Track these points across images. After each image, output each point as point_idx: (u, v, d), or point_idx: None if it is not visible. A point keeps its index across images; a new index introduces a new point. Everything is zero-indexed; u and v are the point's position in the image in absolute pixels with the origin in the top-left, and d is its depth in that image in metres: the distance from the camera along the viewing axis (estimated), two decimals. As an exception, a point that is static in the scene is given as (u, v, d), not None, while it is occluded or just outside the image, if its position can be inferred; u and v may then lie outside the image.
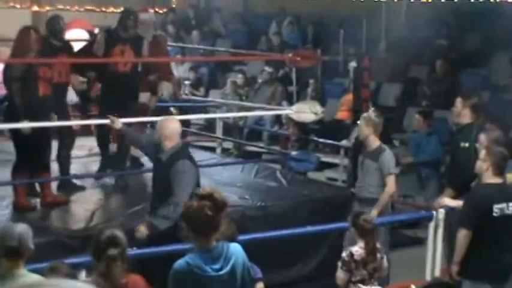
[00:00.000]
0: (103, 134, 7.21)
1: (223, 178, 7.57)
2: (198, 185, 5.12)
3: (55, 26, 6.90)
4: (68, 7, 15.32)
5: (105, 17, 13.77)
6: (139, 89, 7.31)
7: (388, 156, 6.15)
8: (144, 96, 7.49)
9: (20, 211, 6.20)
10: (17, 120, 6.10)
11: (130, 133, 5.95)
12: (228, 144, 10.62)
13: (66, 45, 7.11)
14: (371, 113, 6.29)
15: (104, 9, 14.50)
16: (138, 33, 7.18)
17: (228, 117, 10.50)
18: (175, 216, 4.82)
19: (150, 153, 5.56)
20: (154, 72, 7.63)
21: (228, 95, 11.33)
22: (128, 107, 6.84)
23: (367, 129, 6.14)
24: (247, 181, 7.66)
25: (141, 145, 5.77)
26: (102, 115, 6.65)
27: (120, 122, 5.84)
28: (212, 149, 9.81)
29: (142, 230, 4.97)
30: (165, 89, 7.78)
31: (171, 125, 5.26)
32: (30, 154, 6.24)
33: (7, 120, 6.45)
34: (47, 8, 15.20)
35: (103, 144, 7.28)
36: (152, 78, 7.60)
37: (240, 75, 11.93)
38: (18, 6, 14.66)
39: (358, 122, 6.34)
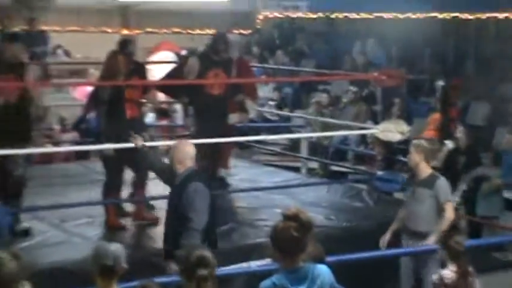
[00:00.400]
0: None
1: (309, 198, 7.56)
2: (212, 210, 4.96)
3: (127, 49, 6.97)
4: (156, 30, 15.75)
5: (192, 39, 14.04)
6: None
7: (443, 182, 5.88)
8: (233, 117, 7.53)
9: (111, 230, 6.36)
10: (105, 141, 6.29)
11: (150, 154, 5.66)
12: (313, 164, 10.60)
13: (139, 68, 7.10)
14: (422, 140, 6.11)
15: (190, 31, 14.80)
16: (229, 56, 7.28)
17: (312, 137, 10.49)
18: (198, 242, 4.65)
19: (165, 179, 5.30)
20: (241, 93, 7.69)
21: (312, 115, 11.33)
22: (220, 129, 6.94)
23: (417, 156, 5.90)
24: (332, 201, 7.63)
25: (159, 168, 5.46)
26: (197, 137, 6.68)
27: (141, 140, 5.68)
28: (297, 169, 9.81)
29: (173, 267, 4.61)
30: (252, 108, 7.83)
31: (184, 149, 5.05)
32: (118, 174, 6.43)
33: (97, 141, 6.67)
34: (136, 31, 15.65)
35: None
36: (239, 98, 7.65)
37: (324, 95, 11.93)
38: (109, 30, 15.15)
39: (410, 148, 6.06)
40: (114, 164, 6.35)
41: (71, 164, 9.33)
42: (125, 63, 6.47)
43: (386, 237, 5.93)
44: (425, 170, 5.91)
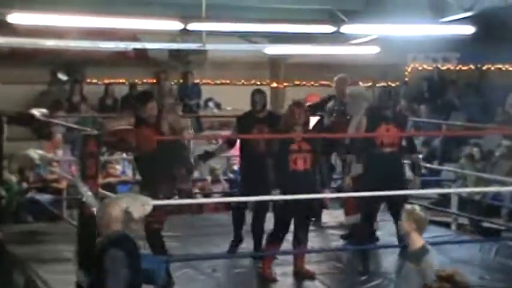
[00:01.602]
0: None
1: (460, 256, 7.33)
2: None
3: (254, 100, 7.18)
4: (304, 82, 16.01)
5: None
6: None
7: (431, 259, 4.94)
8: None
9: (263, 280, 6.44)
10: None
11: None
12: (463, 220, 10.27)
13: (267, 118, 7.22)
14: (416, 206, 5.15)
15: (338, 84, 14.88)
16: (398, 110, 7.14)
17: (463, 192, 10.20)
18: None
19: None
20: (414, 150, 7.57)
21: (463, 169, 11.05)
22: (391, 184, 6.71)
23: (408, 224, 5.03)
24: (486, 260, 7.36)
25: None
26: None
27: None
28: (447, 225, 9.55)
29: None
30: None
31: (109, 211, 4.72)
32: (285, 226, 6.57)
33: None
34: (285, 84, 15.98)
35: None
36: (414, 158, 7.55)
37: (475, 149, 11.60)
38: (258, 82, 15.55)
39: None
40: (282, 215, 6.46)
41: (221, 214, 9.56)
42: (300, 113, 6.62)
43: None
44: (416, 240, 5.04)
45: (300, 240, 6.61)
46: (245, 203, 7.19)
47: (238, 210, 7.20)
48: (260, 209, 7.09)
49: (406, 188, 7.18)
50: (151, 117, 6.12)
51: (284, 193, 6.42)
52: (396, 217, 6.66)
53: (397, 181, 6.81)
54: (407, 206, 5.17)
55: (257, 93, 7.24)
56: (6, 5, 9.66)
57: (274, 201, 6.66)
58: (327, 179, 6.80)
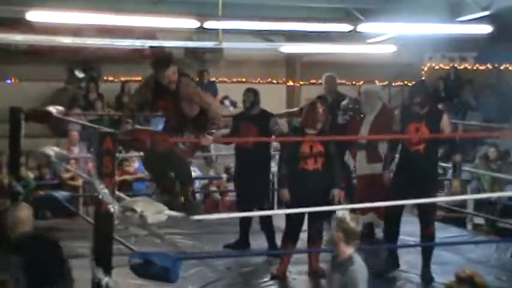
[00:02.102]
0: None
1: (476, 256, 7.32)
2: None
3: (243, 98, 7.34)
4: (320, 81, 15.94)
5: (357, 90, 14.10)
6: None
7: (356, 271, 4.64)
8: None
9: (275, 279, 6.46)
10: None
11: None
12: (479, 220, 10.23)
13: (257, 116, 7.36)
14: (347, 215, 4.78)
15: (354, 82, 14.86)
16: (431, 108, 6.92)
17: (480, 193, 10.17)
18: None
19: None
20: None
21: (479, 169, 11.00)
22: (422, 187, 6.64)
23: (336, 234, 4.70)
24: (502, 261, 7.33)
25: None
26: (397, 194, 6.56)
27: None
28: (462, 224, 9.52)
29: None
30: None
31: (15, 214, 4.71)
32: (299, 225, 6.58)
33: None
34: (301, 82, 15.97)
35: None
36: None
37: (491, 149, 11.54)
38: (274, 81, 15.57)
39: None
40: (295, 214, 6.46)
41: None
42: (323, 111, 6.65)
43: None
44: (345, 250, 4.71)
45: (314, 239, 6.61)
46: (250, 203, 7.20)
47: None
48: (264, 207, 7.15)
49: (435, 190, 7.10)
50: (171, 83, 5.96)
51: (293, 192, 6.45)
52: (422, 218, 6.66)
53: (424, 181, 6.65)
54: (338, 214, 4.81)
55: (246, 92, 7.47)
56: (24, 3, 9.73)
57: (286, 201, 6.66)
58: (339, 178, 6.74)
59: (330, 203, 6.36)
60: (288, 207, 6.68)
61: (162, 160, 5.97)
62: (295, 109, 10.23)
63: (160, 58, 6.27)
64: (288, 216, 6.64)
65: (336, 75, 10.58)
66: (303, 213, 6.44)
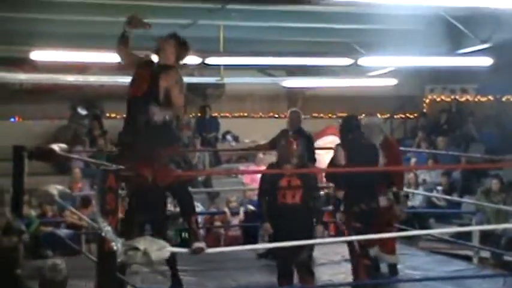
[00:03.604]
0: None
1: (483, 290, 7.24)
2: None
3: None
4: (321, 115, 16.02)
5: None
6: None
7: None
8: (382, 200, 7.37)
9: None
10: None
11: None
12: (485, 253, 10.16)
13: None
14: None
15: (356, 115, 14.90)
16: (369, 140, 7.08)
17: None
18: None
19: None
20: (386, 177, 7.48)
21: (482, 201, 10.96)
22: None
23: None
24: (508, 294, 7.24)
25: None
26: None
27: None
28: (468, 258, 9.44)
29: None
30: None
31: None
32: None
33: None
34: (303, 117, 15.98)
35: None
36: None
37: (495, 181, 11.51)
38: (276, 115, 15.60)
39: None
40: (282, 249, 6.39)
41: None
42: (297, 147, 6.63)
43: None
44: None
45: (302, 276, 6.53)
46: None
47: None
48: None
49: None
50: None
51: (274, 226, 6.41)
52: None
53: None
54: None
55: None
56: (28, 43, 9.83)
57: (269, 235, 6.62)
58: (319, 213, 6.58)
59: (312, 237, 6.28)
60: (271, 241, 6.63)
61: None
62: (265, 142, 10.31)
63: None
64: (275, 253, 6.59)
65: (337, 108, 10.68)
66: (289, 248, 6.35)
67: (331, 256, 8.30)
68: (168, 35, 5.97)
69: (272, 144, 8.50)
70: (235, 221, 10.91)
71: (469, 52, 11.32)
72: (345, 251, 8.38)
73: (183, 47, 6.00)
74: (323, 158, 8.74)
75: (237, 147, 14.43)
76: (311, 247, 6.53)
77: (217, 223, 11.34)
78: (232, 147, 14.58)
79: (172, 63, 5.95)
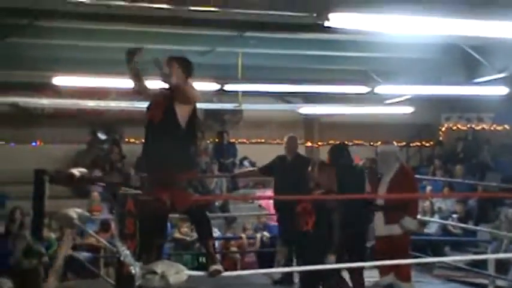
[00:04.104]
0: None
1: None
2: None
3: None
4: (338, 141, 15.98)
5: (374, 151, 14.14)
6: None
7: None
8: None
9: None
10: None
11: None
12: (501, 282, 10.07)
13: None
14: None
15: (372, 143, 14.91)
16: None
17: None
18: None
19: None
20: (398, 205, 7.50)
21: (499, 229, 10.88)
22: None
23: None
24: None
25: None
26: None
27: None
28: (484, 287, 9.37)
29: None
30: (411, 224, 7.46)
31: None
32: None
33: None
34: (319, 143, 16.02)
35: None
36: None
37: (511, 210, 11.43)
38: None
39: None
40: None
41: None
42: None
43: None
44: None
45: None
46: None
47: None
48: None
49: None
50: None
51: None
52: None
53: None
54: None
55: None
56: (50, 69, 9.96)
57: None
58: (333, 241, 6.44)
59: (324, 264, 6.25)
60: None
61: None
62: (254, 168, 10.40)
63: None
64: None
65: (354, 134, 10.62)
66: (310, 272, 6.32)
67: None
68: (167, 59, 5.84)
69: (266, 170, 8.62)
70: (251, 248, 10.93)
71: (485, 81, 11.31)
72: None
73: (185, 64, 5.89)
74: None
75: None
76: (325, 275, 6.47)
77: (234, 248, 11.35)
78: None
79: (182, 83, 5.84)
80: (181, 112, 5.67)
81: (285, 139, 8.47)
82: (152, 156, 5.81)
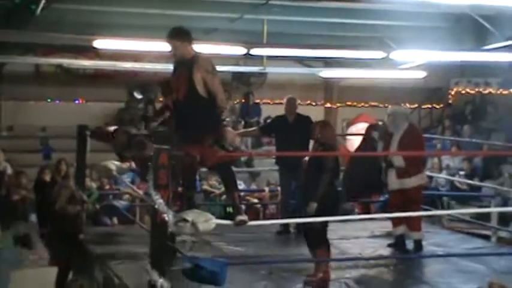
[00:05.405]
0: None
1: (501, 267, 7.12)
2: None
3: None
4: (355, 103, 15.94)
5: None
6: None
7: None
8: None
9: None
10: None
11: None
12: (503, 233, 10.03)
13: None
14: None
15: (386, 105, 14.77)
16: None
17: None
18: None
19: None
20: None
21: (503, 186, 10.81)
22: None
23: None
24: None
25: None
26: None
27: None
28: (487, 237, 9.33)
29: None
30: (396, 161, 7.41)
31: None
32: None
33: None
34: (337, 105, 15.93)
35: None
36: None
37: (514, 167, 11.37)
38: (313, 103, 15.56)
39: None
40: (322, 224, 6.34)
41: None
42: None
43: None
44: None
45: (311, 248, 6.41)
46: None
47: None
48: None
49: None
50: (184, 54, 5.82)
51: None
52: None
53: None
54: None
55: None
56: (91, 33, 9.95)
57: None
58: (313, 191, 6.17)
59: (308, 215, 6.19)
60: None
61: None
62: (253, 128, 10.29)
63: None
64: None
65: (370, 97, 10.47)
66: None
67: (360, 232, 8.29)
68: (167, 37, 5.84)
69: (266, 129, 8.56)
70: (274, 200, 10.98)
71: (493, 48, 11.11)
72: (374, 227, 8.42)
73: (181, 35, 5.84)
74: (355, 143, 8.70)
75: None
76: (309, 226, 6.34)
77: (255, 200, 11.41)
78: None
79: (190, 55, 5.84)
80: (198, 81, 5.71)
81: (284, 100, 8.17)
82: (183, 126, 5.88)
